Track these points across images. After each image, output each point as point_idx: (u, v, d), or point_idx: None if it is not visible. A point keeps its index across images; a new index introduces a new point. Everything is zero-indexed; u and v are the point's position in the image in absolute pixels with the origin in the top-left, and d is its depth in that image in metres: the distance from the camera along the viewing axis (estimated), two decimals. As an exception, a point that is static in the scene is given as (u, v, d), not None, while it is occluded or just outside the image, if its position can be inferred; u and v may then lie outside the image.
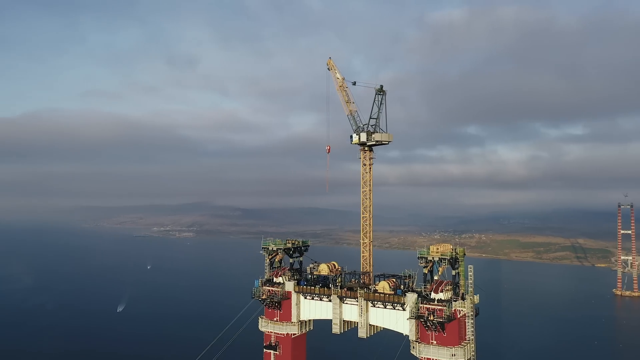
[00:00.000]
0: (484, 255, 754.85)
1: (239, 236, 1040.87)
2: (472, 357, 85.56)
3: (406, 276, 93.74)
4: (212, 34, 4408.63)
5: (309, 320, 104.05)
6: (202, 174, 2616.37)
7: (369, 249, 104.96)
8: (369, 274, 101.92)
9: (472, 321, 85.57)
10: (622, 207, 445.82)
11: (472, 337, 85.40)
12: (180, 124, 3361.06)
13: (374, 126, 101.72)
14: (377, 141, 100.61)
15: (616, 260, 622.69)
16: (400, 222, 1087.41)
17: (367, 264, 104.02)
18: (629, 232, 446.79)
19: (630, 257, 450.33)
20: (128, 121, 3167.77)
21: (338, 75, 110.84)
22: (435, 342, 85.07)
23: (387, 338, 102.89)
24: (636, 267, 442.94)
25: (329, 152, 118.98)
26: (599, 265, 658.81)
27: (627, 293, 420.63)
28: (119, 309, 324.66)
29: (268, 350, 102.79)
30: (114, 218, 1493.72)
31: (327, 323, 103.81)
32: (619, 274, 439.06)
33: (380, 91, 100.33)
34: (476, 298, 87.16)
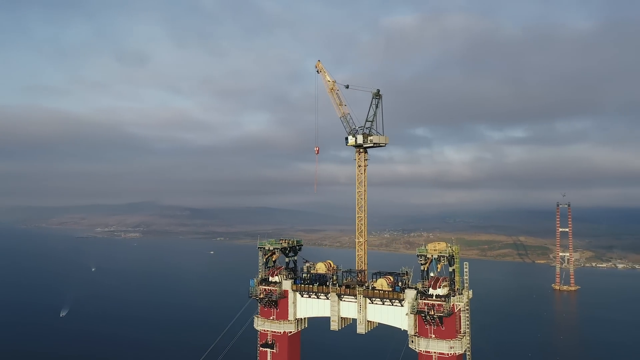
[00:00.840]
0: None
1: (188, 236, 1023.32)
2: (467, 349, 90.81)
3: (403, 273, 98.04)
4: (166, 31, 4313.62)
5: (304, 318, 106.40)
6: (149, 173, 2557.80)
7: (364, 248, 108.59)
8: (364, 272, 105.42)
9: (468, 315, 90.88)
10: (560, 206, 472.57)
11: (468, 330, 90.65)
12: (128, 122, 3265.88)
13: (369, 128, 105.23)
14: (374, 143, 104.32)
15: (554, 257, 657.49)
16: (351, 221, 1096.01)
17: (362, 262, 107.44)
18: (567, 230, 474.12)
19: (568, 254, 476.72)
20: (72, 118, 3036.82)
21: (328, 78, 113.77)
22: (434, 336, 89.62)
23: (380, 333, 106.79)
24: (572, 263, 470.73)
25: (317, 153, 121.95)
26: (538, 261, 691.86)
27: (565, 287, 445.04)
28: (62, 314, 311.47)
29: (264, 349, 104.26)
30: (55, 218, 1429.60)
31: (320, 320, 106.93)
32: (557, 270, 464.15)
33: (377, 95, 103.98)
34: (470, 293, 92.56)
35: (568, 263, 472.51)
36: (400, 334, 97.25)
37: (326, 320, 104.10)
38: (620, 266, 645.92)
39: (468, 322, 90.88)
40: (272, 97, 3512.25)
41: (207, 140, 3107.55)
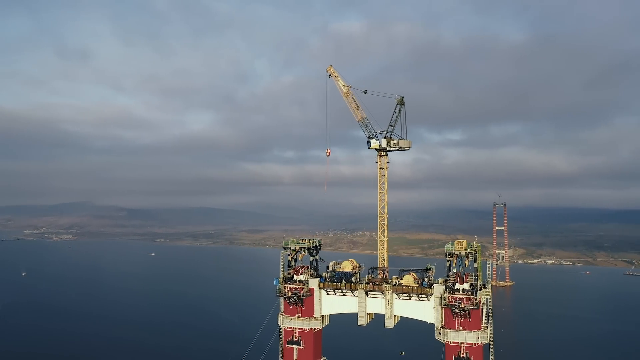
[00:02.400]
0: (374, 252, 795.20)
1: (126, 238, 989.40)
2: (490, 339, 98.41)
3: (426, 270, 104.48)
4: (112, 28, 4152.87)
5: (327, 315, 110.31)
6: (84, 172, 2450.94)
7: (386, 247, 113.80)
8: (387, 270, 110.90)
9: (490, 307, 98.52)
10: (496, 205, 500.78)
11: (490, 322, 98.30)
12: (64, 119, 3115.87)
13: (390, 132, 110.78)
14: (400, 147, 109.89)
15: (490, 254, 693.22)
16: (295, 221, 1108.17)
17: (384, 260, 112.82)
18: (502, 228, 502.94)
19: (503, 251, 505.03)
20: (3, 113, 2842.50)
21: (343, 83, 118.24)
22: (461, 328, 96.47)
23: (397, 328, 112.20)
24: (508, 259, 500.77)
25: (328, 155, 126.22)
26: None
27: (501, 283, 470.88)
28: None
29: (290, 346, 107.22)
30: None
31: (341, 316, 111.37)
32: (494, 266, 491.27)
33: (401, 102, 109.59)
34: (490, 288, 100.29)
35: (503, 260, 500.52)
36: (405, 328, 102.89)
37: (344, 316, 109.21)
38: (549, 262, 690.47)
39: (491, 314, 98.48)
40: (218, 97, 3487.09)
41: (148, 139, 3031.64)
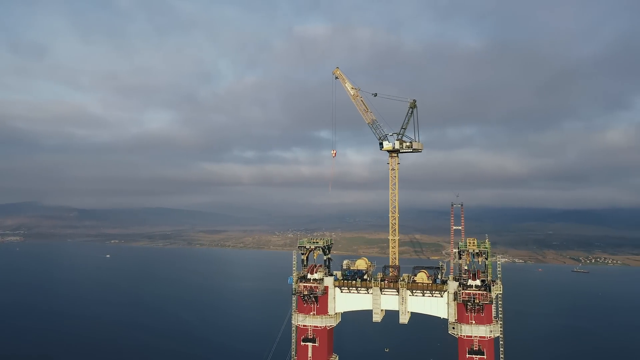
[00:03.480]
0: (334, 252, 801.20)
1: (78, 239, 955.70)
2: (501, 332, 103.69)
3: (438, 267, 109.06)
4: (71, 24, 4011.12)
5: (339, 313, 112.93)
6: (33, 171, 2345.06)
7: (397, 246, 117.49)
8: (398, 267, 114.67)
9: (500, 302, 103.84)
10: (454, 206, 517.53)
11: (501, 316, 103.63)
12: (15, 115, 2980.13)
13: (401, 135, 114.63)
14: (414, 149, 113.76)
15: (447, 253, 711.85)
16: (253, 221, 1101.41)
17: (395, 258, 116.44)
18: (460, 227, 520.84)
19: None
20: None
21: (350, 86, 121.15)
22: (474, 322, 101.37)
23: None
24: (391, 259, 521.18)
25: (334, 156, 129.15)
26: (433, 257, 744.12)
27: None
28: None
29: (305, 343, 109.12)
30: None
31: (349, 314, 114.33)
32: (451, 265, 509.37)
33: (413, 105, 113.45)
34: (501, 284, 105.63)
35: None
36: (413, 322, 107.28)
37: (352, 313, 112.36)
38: (502, 260, 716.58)
39: (501, 309, 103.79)
40: (179, 96, 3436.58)
41: (102, 137, 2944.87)
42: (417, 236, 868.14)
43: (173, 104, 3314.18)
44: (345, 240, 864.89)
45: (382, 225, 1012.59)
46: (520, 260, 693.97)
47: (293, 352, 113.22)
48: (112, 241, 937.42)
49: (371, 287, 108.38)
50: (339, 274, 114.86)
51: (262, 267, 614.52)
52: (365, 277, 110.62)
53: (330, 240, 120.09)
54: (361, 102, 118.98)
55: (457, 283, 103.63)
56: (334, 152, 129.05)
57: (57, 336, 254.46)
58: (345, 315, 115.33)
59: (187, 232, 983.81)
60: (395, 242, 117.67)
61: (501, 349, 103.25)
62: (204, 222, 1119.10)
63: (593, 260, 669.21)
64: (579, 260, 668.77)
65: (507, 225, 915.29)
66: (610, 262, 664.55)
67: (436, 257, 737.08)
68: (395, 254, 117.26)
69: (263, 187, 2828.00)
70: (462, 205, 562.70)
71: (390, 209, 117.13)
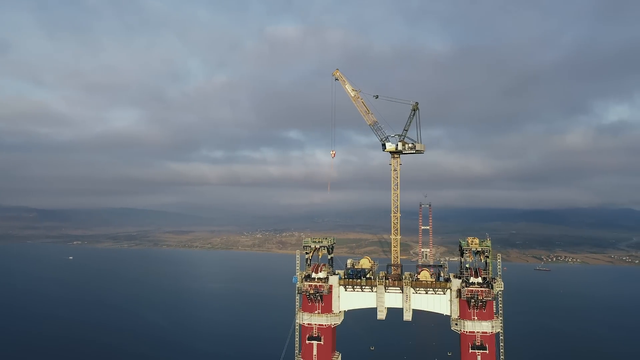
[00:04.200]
0: (304, 252, 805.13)
1: (38, 240, 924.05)
2: (501, 327, 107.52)
3: (439, 266, 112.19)
4: (36, 20, 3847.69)
5: (342, 311, 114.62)
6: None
7: (398, 245, 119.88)
8: (400, 266, 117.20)
9: (501, 299, 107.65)
10: (422, 206, 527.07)
11: (501, 312, 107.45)
12: None
13: (403, 136, 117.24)
14: (417, 150, 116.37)
15: (415, 253, 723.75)
16: (221, 221, 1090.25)
17: (397, 257, 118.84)
18: (428, 227, 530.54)
19: (428, 249, 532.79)
20: None
21: (350, 88, 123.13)
22: (476, 318, 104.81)
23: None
24: (432, 257, 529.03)
25: (333, 157, 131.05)
26: (401, 257, 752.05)
27: None
28: None
29: (311, 341, 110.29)
30: None
31: (352, 312, 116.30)
32: (419, 264, 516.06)
33: (415, 108, 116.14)
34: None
35: (427, 258, 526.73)
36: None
37: (355, 311, 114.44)
38: (468, 259, 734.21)
39: (501, 305, 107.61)
40: (146, 95, 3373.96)
41: (65, 135, 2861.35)
42: (385, 236, 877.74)
43: (140, 102, 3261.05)
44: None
45: (351, 225, 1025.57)
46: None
47: (297, 351, 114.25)
48: (75, 242, 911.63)
49: (375, 286, 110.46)
50: (341, 272, 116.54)
51: (231, 268, 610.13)
52: (368, 275, 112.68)
53: (334, 239, 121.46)
54: (362, 104, 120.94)
55: (460, 280, 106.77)
56: (333, 152, 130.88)
57: (21, 339, 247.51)
58: (348, 313, 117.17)
59: (153, 233, 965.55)
60: (397, 241, 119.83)
61: (501, 343, 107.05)
62: (170, 223, 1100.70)
63: (554, 259, 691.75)
64: (541, 259, 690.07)
65: (472, 225, 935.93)
66: (570, 260, 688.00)
67: (405, 257, 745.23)
68: (397, 252, 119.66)
69: (231, 187, 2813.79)
70: (430, 205, 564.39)
71: (392, 209, 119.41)
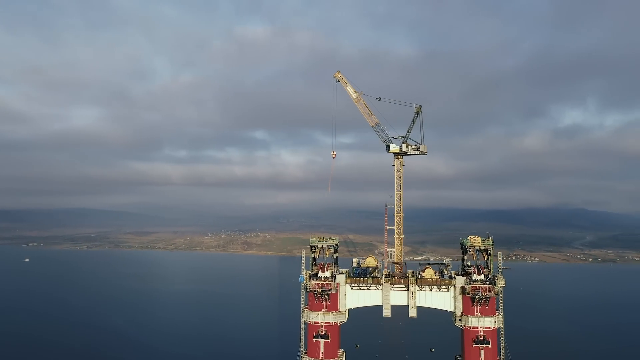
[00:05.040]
0: (269, 252, 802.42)
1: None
2: (502, 322, 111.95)
3: (443, 264, 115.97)
4: None
5: (347, 309, 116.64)
6: None
7: (401, 244, 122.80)
8: (402, 265, 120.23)
9: (501, 295, 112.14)
10: (388, 206, 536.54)
11: (502, 308, 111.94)
12: None
13: (406, 138, 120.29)
14: (421, 152, 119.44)
15: (380, 252, 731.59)
16: (184, 222, 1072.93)
17: (400, 256, 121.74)
18: (393, 227, 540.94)
19: (394, 249, 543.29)
20: None
21: (352, 90, 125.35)
22: (479, 314, 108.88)
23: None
24: (396, 257, 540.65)
25: (334, 157, 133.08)
26: (366, 257, 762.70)
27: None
28: None
29: (318, 340, 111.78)
30: None
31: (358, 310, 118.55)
32: (385, 264, 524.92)
33: (419, 110, 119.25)
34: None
35: (392, 257, 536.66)
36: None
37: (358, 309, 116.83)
38: (432, 259, 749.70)
39: (501, 301, 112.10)
40: (109, 93, 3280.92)
41: (21, 133, 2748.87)
42: (351, 236, 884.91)
43: (102, 100, 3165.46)
44: (279, 240, 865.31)
45: (317, 225, 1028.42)
46: (449, 259, 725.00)
47: (302, 349, 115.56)
48: (30, 244, 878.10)
49: (382, 284, 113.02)
50: (345, 271, 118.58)
51: (196, 269, 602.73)
52: (374, 274, 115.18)
53: (337, 239, 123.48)
54: (364, 106, 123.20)
55: (464, 278, 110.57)
56: (334, 153, 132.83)
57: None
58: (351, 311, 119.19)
59: (114, 234, 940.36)
60: (400, 240, 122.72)
61: (502, 337, 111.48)
62: (131, 224, 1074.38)
63: (514, 258, 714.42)
64: (502, 258, 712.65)
65: (435, 225, 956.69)
66: (528, 259, 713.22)
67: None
68: (400, 251, 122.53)
69: (194, 188, 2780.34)
70: (395, 205, 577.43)
71: (395, 209, 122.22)
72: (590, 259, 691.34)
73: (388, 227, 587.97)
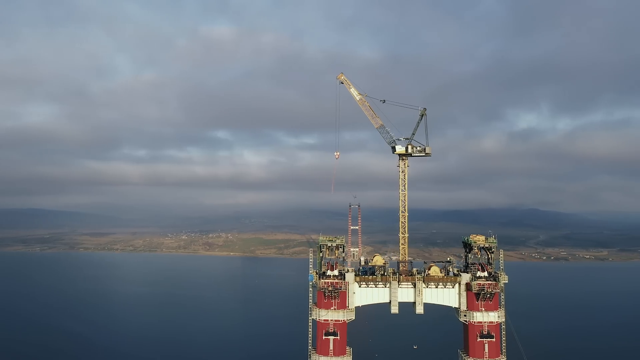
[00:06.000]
0: (231, 253, 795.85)
1: None
2: (504, 317, 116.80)
3: (448, 261, 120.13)
4: None
5: (356, 307, 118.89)
6: None
7: (406, 242, 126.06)
8: (407, 262, 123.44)
9: (502, 291, 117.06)
10: (352, 206, 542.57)
11: (504, 303, 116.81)
12: None
13: (410, 139, 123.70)
14: (426, 153, 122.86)
15: (345, 252, 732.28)
16: (142, 223, 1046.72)
17: (405, 253, 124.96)
18: (357, 227, 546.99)
19: (357, 249, 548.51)
20: None
21: (356, 92, 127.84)
22: (483, 309, 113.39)
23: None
24: (360, 257, 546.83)
25: (337, 158, 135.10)
26: (329, 257, 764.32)
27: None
28: None
29: (327, 337, 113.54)
30: None
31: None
32: (349, 264, 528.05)
33: (424, 113, 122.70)
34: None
35: (355, 257, 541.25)
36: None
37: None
38: (394, 258, 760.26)
39: (503, 297, 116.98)
40: (66, 90, 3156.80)
41: None
42: (314, 236, 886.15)
43: (59, 97, 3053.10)
44: (241, 241, 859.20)
45: (279, 225, 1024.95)
46: (410, 258, 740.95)
47: (310, 347, 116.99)
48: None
49: (389, 281, 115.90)
50: (350, 270, 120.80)
51: (157, 270, 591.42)
52: (385, 272, 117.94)
53: (344, 239, 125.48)
54: (368, 108, 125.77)
55: (469, 275, 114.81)
56: (337, 153, 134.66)
57: None
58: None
59: (68, 235, 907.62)
60: (405, 239, 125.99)
61: (503, 332, 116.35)
62: (87, 224, 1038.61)
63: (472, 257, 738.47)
64: (460, 257, 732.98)
65: (395, 225, 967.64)
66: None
67: (333, 257, 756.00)
68: (405, 250, 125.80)
69: (154, 187, 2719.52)
70: (359, 206, 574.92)
71: (400, 209, 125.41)
72: (544, 257, 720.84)
73: (352, 227, 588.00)
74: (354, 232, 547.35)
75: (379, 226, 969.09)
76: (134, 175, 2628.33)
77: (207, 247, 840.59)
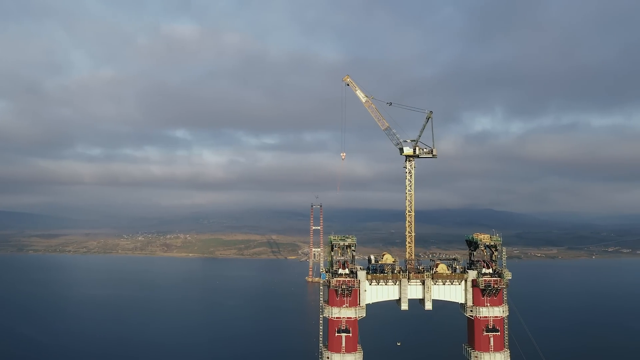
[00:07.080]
0: (190, 254, 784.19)
1: None
2: (508, 311, 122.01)
3: (454, 259, 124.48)
4: None
5: (367, 304, 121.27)
6: None
7: (412, 241, 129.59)
8: (414, 260, 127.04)
9: (507, 287, 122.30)
10: (314, 207, 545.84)
11: (507, 299, 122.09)
12: None
13: (415, 141, 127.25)
14: (433, 155, 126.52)
15: (303, 253, 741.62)
16: (96, 224, 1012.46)
17: (411, 253, 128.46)
18: (319, 228, 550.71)
19: (319, 249, 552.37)
20: None
21: (360, 94, 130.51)
22: (489, 305, 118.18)
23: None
24: (321, 257, 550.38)
25: (343, 158, 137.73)
26: (290, 257, 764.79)
27: (317, 279, 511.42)
28: None
29: (339, 334, 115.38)
30: None
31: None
32: (311, 264, 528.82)
33: (430, 116, 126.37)
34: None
35: (316, 258, 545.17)
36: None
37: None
38: (356, 258, 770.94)
39: (506, 292, 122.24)
40: (17, 86, 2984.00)
41: None
42: (274, 237, 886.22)
43: (8, 94, 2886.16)
44: (201, 242, 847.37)
45: (238, 226, 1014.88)
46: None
47: (321, 344, 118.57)
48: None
49: (399, 279, 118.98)
50: (358, 268, 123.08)
51: (112, 272, 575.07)
52: (392, 270, 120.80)
53: (354, 238, 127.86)
54: (374, 110, 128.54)
55: (476, 272, 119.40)
56: (344, 154, 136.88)
57: None
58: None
59: (16, 237, 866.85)
60: (412, 237, 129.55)
61: (505, 326, 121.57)
62: (36, 225, 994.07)
63: (430, 255, 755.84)
64: (419, 256, 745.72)
65: (355, 225, 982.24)
66: (443, 256, 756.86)
67: (293, 257, 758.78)
68: (411, 248, 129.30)
69: (108, 187, 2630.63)
70: (321, 206, 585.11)
71: (407, 208, 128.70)
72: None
73: (314, 228, 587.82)
74: (316, 232, 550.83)
75: (338, 226, 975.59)
76: (87, 174, 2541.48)
77: (165, 249, 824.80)
